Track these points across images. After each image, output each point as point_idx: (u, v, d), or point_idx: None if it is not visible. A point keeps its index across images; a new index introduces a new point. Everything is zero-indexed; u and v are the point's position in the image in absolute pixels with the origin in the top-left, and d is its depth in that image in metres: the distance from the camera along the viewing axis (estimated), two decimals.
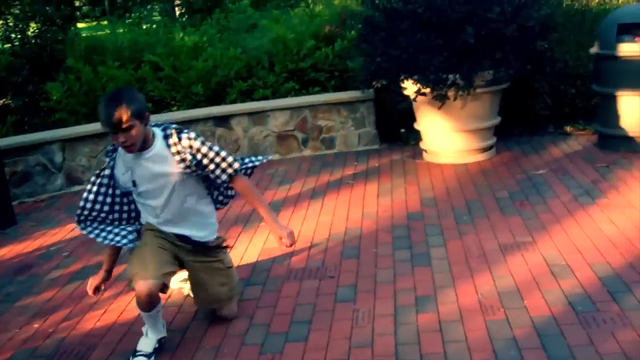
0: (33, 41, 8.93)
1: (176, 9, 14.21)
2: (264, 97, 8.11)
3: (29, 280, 5.02)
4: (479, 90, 6.40)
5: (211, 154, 3.64)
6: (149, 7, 19.11)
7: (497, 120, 6.84)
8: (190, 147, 3.58)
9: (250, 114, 7.69)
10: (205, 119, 7.65)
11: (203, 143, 3.62)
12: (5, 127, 8.07)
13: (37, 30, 9.06)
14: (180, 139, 3.58)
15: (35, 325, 4.27)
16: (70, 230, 5.99)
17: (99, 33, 10.60)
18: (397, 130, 7.70)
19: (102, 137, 7.30)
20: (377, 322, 3.85)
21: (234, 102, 8.17)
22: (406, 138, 7.61)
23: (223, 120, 7.68)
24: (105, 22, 16.05)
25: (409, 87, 6.60)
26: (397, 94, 7.03)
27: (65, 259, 5.35)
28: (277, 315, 4.06)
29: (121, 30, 9.79)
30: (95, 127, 7.45)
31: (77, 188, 7.28)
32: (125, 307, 4.36)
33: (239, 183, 3.80)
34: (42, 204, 6.98)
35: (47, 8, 9.35)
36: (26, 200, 7.05)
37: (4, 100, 8.88)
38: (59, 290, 4.78)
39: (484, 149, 6.82)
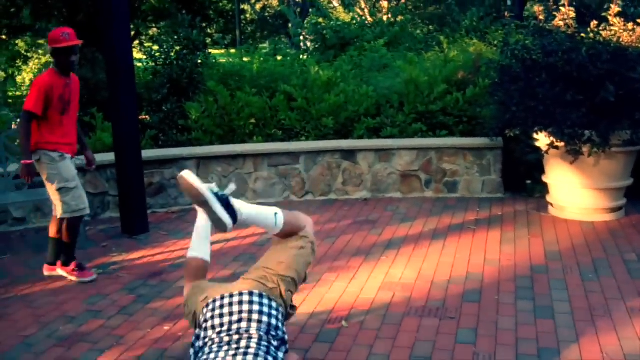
0: (175, 62, 9.42)
1: (308, 43, 14.63)
2: (391, 136, 8.24)
3: (160, 285, 5.29)
4: (614, 149, 6.31)
5: None
6: (276, 38, 19.80)
7: (629, 181, 6.70)
8: None
9: (377, 151, 7.83)
10: (333, 151, 7.84)
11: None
12: (144, 140, 8.52)
13: (178, 53, 9.55)
14: None
15: (166, 328, 4.49)
16: None
17: (230, 60, 11.02)
18: (522, 181, 7.66)
19: (235, 158, 7.62)
20: None
21: (360, 137, 8.34)
22: (532, 190, 7.56)
23: (350, 154, 7.85)
24: (233, 51, 16.76)
25: (541, 139, 6.57)
26: (527, 144, 7.01)
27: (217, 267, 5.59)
28: (396, 348, 4.12)
29: (247, 60, 10.18)
30: (229, 149, 7.80)
31: None
32: None
33: None
34: (173, 215, 7.33)
35: (193, 31, 9.85)
36: (158, 210, 7.42)
37: (143, 116, 9.40)
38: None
39: (613, 209, 6.68)
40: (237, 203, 3.72)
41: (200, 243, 3.89)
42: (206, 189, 3.67)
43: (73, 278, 5.42)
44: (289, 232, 3.85)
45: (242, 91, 8.76)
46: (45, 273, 5.54)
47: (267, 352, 3.19)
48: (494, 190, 7.73)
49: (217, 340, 3.26)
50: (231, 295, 3.45)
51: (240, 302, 3.40)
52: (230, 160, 7.68)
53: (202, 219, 3.87)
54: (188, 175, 3.70)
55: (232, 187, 3.79)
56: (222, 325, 3.33)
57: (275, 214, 3.79)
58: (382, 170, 7.85)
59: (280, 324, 3.45)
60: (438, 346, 4.12)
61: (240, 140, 8.46)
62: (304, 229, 3.92)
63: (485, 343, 4.15)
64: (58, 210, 5.35)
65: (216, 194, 3.68)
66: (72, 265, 5.45)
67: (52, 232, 5.50)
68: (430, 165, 7.80)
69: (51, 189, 5.31)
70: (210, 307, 3.44)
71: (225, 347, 3.18)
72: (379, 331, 4.35)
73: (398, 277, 5.24)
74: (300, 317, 4.55)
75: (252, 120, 8.60)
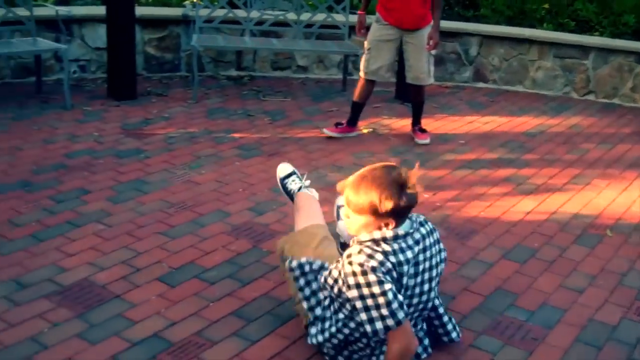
0: None
1: None
2: None
3: (424, 154, 5.36)
4: None
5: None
6: None
7: None
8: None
9: None
10: (627, 52, 7.22)
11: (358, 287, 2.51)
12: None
13: None
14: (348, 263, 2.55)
15: (425, 195, 4.55)
16: (468, 122, 6.21)
17: None
18: None
19: (521, 42, 7.33)
20: None
21: None
22: None
23: None
24: None
25: None
26: None
27: (460, 146, 5.59)
28: None
29: None
30: (517, 31, 7.50)
31: (481, 85, 7.47)
32: (510, 208, 4.45)
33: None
34: (447, 90, 7.30)
35: None
36: (433, 82, 7.40)
37: None
38: (450, 171, 5.03)
39: None
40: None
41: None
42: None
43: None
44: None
45: None
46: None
47: None
48: None
49: None
50: None
51: None
52: (514, 43, 7.38)
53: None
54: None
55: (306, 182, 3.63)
56: None
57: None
58: None
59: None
60: None
61: (529, 24, 8.07)
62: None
63: None
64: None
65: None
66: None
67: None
68: None
69: None
70: None
71: None
72: None
73: None
74: (562, 216, 4.40)
75: (545, 6, 8.15)
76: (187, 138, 5.33)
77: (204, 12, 6.62)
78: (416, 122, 5.70)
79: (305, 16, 6.90)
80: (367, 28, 5.53)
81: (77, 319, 3.00)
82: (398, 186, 2.50)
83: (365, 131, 5.78)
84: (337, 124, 5.60)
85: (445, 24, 7.54)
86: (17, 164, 4.66)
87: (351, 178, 2.60)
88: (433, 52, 5.45)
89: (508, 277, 3.63)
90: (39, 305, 3.08)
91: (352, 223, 2.63)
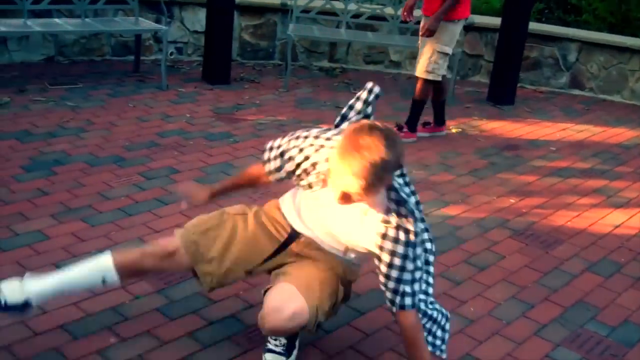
0: None
1: None
2: None
3: (514, 158, 5.26)
4: None
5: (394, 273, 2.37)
6: None
7: None
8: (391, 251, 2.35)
9: None
10: None
11: (405, 257, 2.34)
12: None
13: None
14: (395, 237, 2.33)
15: (512, 201, 4.48)
16: (561, 129, 6.06)
17: None
18: None
19: (622, 51, 7.09)
20: None
21: None
22: None
23: None
24: None
25: None
26: None
27: (551, 153, 5.46)
28: None
29: None
30: (619, 39, 7.27)
31: (577, 92, 7.28)
32: (598, 220, 4.33)
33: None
34: (541, 95, 7.14)
35: None
36: (527, 86, 7.27)
37: None
38: (539, 178, 4.93)
39: None
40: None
41: None
42: None
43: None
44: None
45: None
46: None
47: None
48: None
49: None
50: None
51: None
52: (615, 52, 7.14)
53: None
54: None
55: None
56: None
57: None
58: None
59: None
60: None
61: (632, 33, 7.81)
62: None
63: None
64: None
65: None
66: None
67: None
68: None
69: None
70: None
71: None
72: None
73: None
74: None
75: None
76: (276, 125, 5.38)
77: (302, 2, 6.67)
78: (408, 120, 5.42)
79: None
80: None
81: (158, 293, 3.09)
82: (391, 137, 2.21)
83: (454, 131, 5.71)
84: (425, 124, 5.56)
85: (545, 28, 7.44)
86: (112, 139, 4.81)
87: (354, 168, 2.13)
88: (441, 48, 5.19)
89: (591, 290, 3.53)
90: None
91: (370, 204, 2.32)
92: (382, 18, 6.90)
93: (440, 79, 5.32)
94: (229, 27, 6.33)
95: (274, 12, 7.15)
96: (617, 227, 4.28)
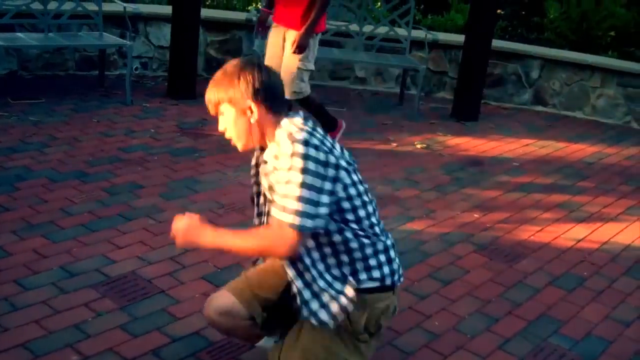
0: None
1: None
2: None
3: (478, 174, 5.30)
4: None
5: (283, 189, 2.19)
6: None
7: None
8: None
9: None
10: None
11: (305, 171, 2.15)
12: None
13: None
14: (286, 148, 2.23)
15: (476, 215, 4.52)
16: (524, 145, 6.14)
17: None
18: None
19: (583, 69, 7.21)
20: None
21: None
22: None
23: None
24: None
25: None
26: None
27: (514, 168, 5.53)
28: None
29: None
30: (580, 57, 7.39)
31: (540, 108, 7.38)
32: (561, 235, 4.38)
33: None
34: (505, 111, 7.23)
35: None
36: (491, 102, 7.35)
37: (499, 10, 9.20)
38: (503, 193, 4.98)
39: None
40: None
41: None
42: None
43: None
44: None
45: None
46: None
47: None
48: None
49: None
50: None
51: None
52: (577, 69, 7.26)
53: None
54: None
55: None
56: None
57: None
58: None
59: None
60: None
61: (593, 50, 7.95)
62: None
63: None
64: None
65: None
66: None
67: None
68: None
69: None
70: None
71: None
72: None
73: None
74: (614, 246, 4.31)
75: (612, 33, 8.02)
76: None
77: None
78: (324, 125, 5.20)
79: (367, 28, 6.90)
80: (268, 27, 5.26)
81: (121, 310, 3.05)
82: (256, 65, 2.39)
83: (419, 146, 5.75)
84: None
85: (508, 45, 7.54)
86: (75, 154, 4.76)
87: (212, 84, 2.49)
88: (306, 66, 4.98)
89: (554, 303, 3.57)
90: (85, 294, 3.14)
91: (237, 127, 2.41)
92: (347, 35, 6.93)
93: (308, 92, 5.15)
94: (194, 43, 6.31)
95: (239, 28, 7.15)
96: (579, 241, 4.33)
